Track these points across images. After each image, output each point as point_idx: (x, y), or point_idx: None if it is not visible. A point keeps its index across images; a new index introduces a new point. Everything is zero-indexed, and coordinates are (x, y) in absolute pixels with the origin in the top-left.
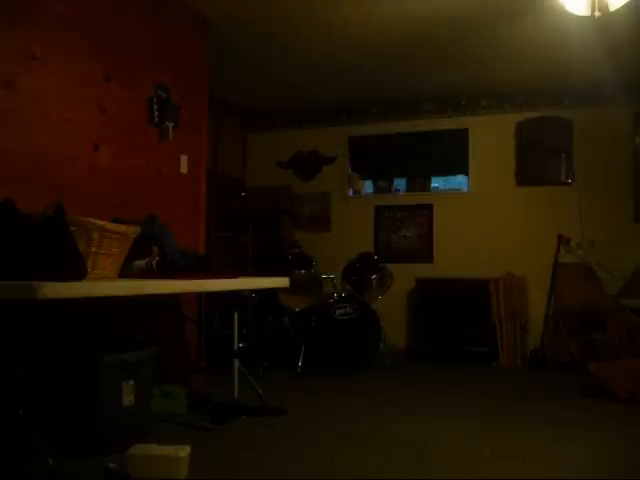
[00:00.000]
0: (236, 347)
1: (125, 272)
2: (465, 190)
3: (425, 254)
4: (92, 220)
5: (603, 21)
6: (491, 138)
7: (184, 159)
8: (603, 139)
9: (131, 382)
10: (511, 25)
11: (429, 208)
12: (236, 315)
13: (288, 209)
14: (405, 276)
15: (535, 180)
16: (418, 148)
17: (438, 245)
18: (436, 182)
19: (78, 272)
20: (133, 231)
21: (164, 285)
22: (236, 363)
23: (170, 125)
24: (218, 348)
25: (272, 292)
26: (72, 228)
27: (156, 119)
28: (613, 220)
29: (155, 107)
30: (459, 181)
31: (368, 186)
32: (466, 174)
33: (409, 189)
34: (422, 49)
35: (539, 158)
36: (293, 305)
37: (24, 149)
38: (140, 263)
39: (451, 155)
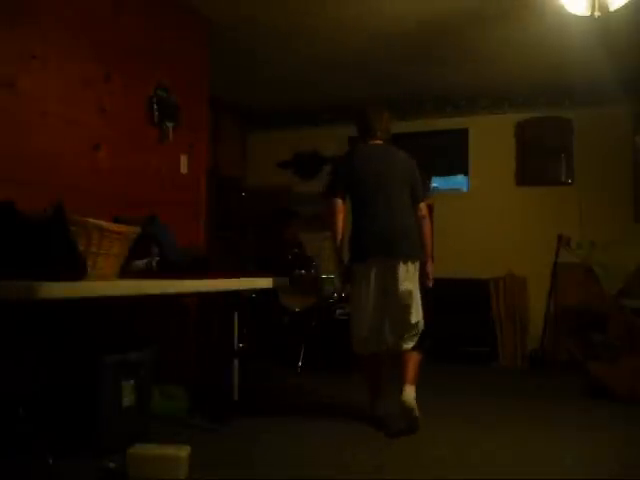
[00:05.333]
0: (236, 347)
1: (125, 272)
2: (465, 190)
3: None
4: (92, 220)
5: (603, 21)
6: (491, 138)
7: (184, 159)
8: (603, 139)
9: (131, 382)
10: (511, 25)
11: (429, 208)
12: (236, 315)
13: (295, 212)
14: None
15: (535, 180)
16: (418, 148)
17: (438, 245)
18: (436, 182)
19: (78, 272)
20: (133, 231)
21: (164, 285)
22: (236, 363)
23: (170, 125)
24: (218, 348)
25: (272, 292)
26: (72, 228)
27: (156, 119)
28: (613, 220)
29: (155, 107)
30: (459, 181)
31: None
32: (466, 174)
33: None
34: (422, 49)
35: (539, 158)
36: (293, 305)
37: (24, 149)
38: (140, 263)
39: (451, 155)
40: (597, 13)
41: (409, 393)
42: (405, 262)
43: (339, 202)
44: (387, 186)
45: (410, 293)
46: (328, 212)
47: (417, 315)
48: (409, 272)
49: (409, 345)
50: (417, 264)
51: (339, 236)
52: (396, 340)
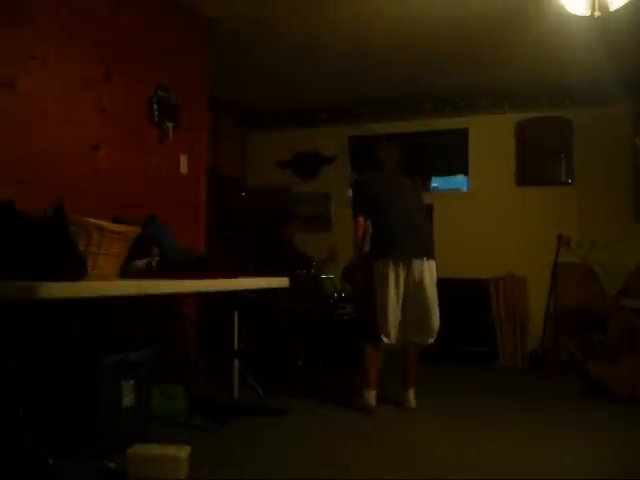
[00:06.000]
0: (236, 347)
1: (125, 272)
2: (465, 190)
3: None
4: (92, 220)
5: (603, 21)
6: (491, 138)
7: (184, 159)
8: (603, 139)
9: (131, 382)
10: (511, 25)
11: (429, 208)
12: (236, 315)
13: (292, 212)
14: None
15: (535, 180)
16: (418, 148)
17: (438, 245)
18: (436, 182)
19: (78, 272)
20: (133, 231)
21: (164, 285)
22: (236, 363)
23: (170, 125)
24: (218, 348)
25: (272, 292)
26: (72, 228)
27: (156, 119)
28: (613, 220)
29: (155, 107)
30: (459, 181)
31: None
32: (466, 174)
33: None
34: (422, 49)
35: (539, 158)
36: (293, 305)
37: (24, 149)
38: (140, 263)
39: (451, 155)
40: (597, 13)
41: (413, 397)
42: (428, 259)
43: (361, 219)
44: (401, 195)
45: (434, 289)
46: (354, 228)
47: (437, 312)
48: (432, 269)
49: (432, 340)
50: (435, 263)
51: (361, 244)
52: (420, 335)
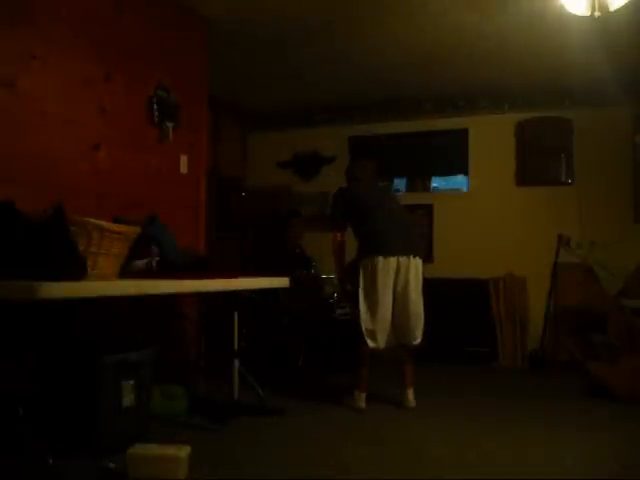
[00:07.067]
0: (236, 347)
1: (125, 272)
2: (465, 190)
3: (425, 254)
4: (92, 220)
5: (603, 21)
6: (491, 138)
7: (184, 159)
8: (603, 139)
9: (131, 382)
10: (511, 25)
11: (429, 208)
12: (236, 315)
13: (297, 211)
14: None
15: (535, 180)
16: (418, 148)
17: (438, 245)
18: (436, 182)
19: (78, 272)
20: (133, 231)
21: (164, 285)
22: (236, 363)
23: (170, 125)
24: (218, 348)
25: (272, 292)
26: (72, 228)
27: (156, 119)
28: (613, 220)
29: (155, 107)
30: (459, 181)
31: None
32: (466, 174)
33: (409, 189)
34: (423, 50)
35: (539, 158)
36: (293, 305)
37: (24, 149)
38: (140, 263)
39: (451, 155)
40: (597, 13)
41: (412, 396)
42: (415, 257)
43: (338, 235)
44: (385, 199)
45: (419, 288)
46: (333, 239)
47: (422, 309)
48: (418, 268)
49: (419, 340)
50: (421, 262)
51: (339, 254)
52: (406, 337)
